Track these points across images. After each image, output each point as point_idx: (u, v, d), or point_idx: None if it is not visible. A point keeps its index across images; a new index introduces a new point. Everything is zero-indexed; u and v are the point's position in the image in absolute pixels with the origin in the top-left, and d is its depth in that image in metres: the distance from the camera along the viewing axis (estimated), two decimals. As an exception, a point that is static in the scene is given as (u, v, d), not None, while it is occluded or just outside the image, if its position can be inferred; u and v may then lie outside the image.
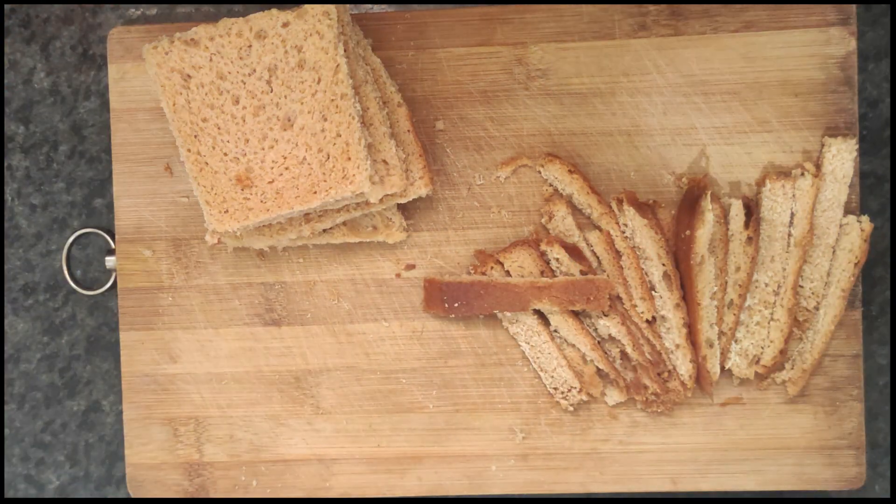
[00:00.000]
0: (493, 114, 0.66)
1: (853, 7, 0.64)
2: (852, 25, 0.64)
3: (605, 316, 0.63)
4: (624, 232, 0.64)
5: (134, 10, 0.70)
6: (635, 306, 0.63)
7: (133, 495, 0.68)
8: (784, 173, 0.64)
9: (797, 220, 0.62)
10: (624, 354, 0.63)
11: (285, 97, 0.57)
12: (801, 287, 0.64)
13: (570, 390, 0.64)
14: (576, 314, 0.64)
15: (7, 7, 0.69)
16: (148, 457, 0.67)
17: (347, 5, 0.60)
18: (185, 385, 0.67)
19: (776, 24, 0.64)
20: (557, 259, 0.63)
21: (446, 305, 0.63)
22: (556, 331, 0.64)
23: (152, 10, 0.70)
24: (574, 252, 0.63)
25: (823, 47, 0.64)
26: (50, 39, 0.70)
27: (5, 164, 0.70)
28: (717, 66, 0.64)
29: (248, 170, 0.57)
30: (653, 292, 0.63)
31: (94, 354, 0.70)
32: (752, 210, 0.63)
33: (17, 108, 0.70)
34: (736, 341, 0.64)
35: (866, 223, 0.63)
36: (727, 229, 0.63)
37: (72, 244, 0.70)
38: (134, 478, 0.67)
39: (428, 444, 0.66)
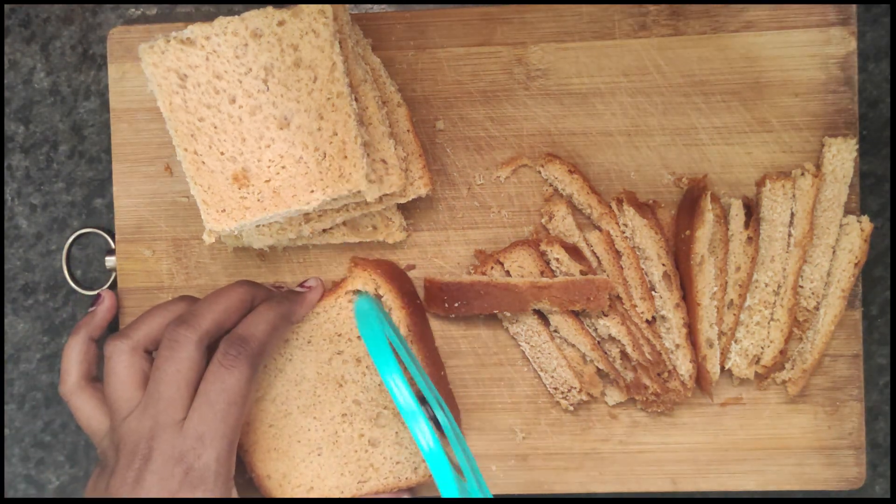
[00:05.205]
0: (493, 114, 0.66)
1: (853, 7, 0.64)
2: (852, 25, 0.64)
3: (605, 316, 0.63)
4: (624, 232, 0.64)
5: (134, 10, 0.70)
6: (635, 306, 0.63)
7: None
8: (784, 173, 0.64)
9: (797, 220, 0.62)
10: (624, 354, 0.63)
11: (282, 96, 0.57)
12: (801, 287, 0.64)
13: (570, 390, 0.64)
14: (576, 314, 0.64)
15: (7, 7, 0.69)
16: (148, 457, 0.67)
17: (347, 5, 0.60)
18: (185, 385, 0.67)
19: (776, 24, 0.64)
20: (557, 259, 0.63)
21: (446, 305, 0.63)
22: (556, 331, 0.64)
23: (152, 10, 0.70)
24: (574, 252, 0.63)
25: (823, 47, 0.64)
26: (50, 39, 0.70)
27: (5, 164, 0.70)
28: (717, 66, 0.64)
29: (244, 169, 0.57)
30: (653, 292, 0.63)
31: (94, 354, 0.70)
32: (752, 210, 0.63)
33: (17, 108, 0.70)
34: (736, 341, 0.64)
35: (866, 223, 0.63)
36: (727, 229, 0.63)
37: (72, 244, 0.70)
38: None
39: (428, 444, 0.66)
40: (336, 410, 0.63)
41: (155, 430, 0.54)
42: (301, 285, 0.64)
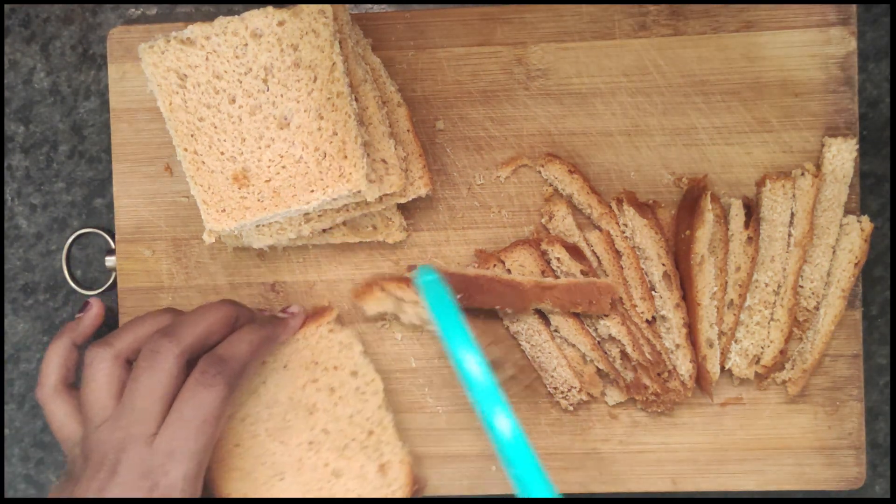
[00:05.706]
0: (493, 114, 0.66)
1: (853, 7, 0.64)
2: (852, 25, 0.64)
3: (606, 316, 0.63)
4: (624, 232, 0.64)
5: (134, 10, 0.70)
6: (635, 306, 0.63)
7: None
8: (784, 173, 0.64)
9: (797, 220, 0.62)
10: (624, 354, 0.63)
11: (281, 96, 0.57)
12: (801, 287, 0.64)
13: (570, 390, 0.64)
14: (576, 314, 0.64)
15: (7, 7, 0.69)
16: (148, 457, 0.67)
17: (346, 5, 0.60)
18: (185, 385, 0.67)
19: (776, 24, 0.64)
20: (558, 259, 0.63)
21: (448, 299, 0.63)
22: (556, 330, 0.64)
23: (152, 10, 0.70)
24: (574, 252, 0.63)
25: (823, 47, 0.64)
26: (50, 39, 0.70)
27: (5, 164, 0.70)
28: (717, 66, 0.64)
29: (244, 169, 0.57)
30: (653, 292, 0.63)
31: (94, 354, 0.70)
32: (752, 210, 0.63)
33: (17, 108, 0.70)
34: (736, 341, 0.64)
35: (866, 223, 0.63)
36: (727, 229, 0.63)
37: (72, 244, 0.70)
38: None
39: (428, 444, 0.66)
40: (304, 437, 0.62)
41: (125, 442, 0.53)
42: (284, 311, 0.64)
